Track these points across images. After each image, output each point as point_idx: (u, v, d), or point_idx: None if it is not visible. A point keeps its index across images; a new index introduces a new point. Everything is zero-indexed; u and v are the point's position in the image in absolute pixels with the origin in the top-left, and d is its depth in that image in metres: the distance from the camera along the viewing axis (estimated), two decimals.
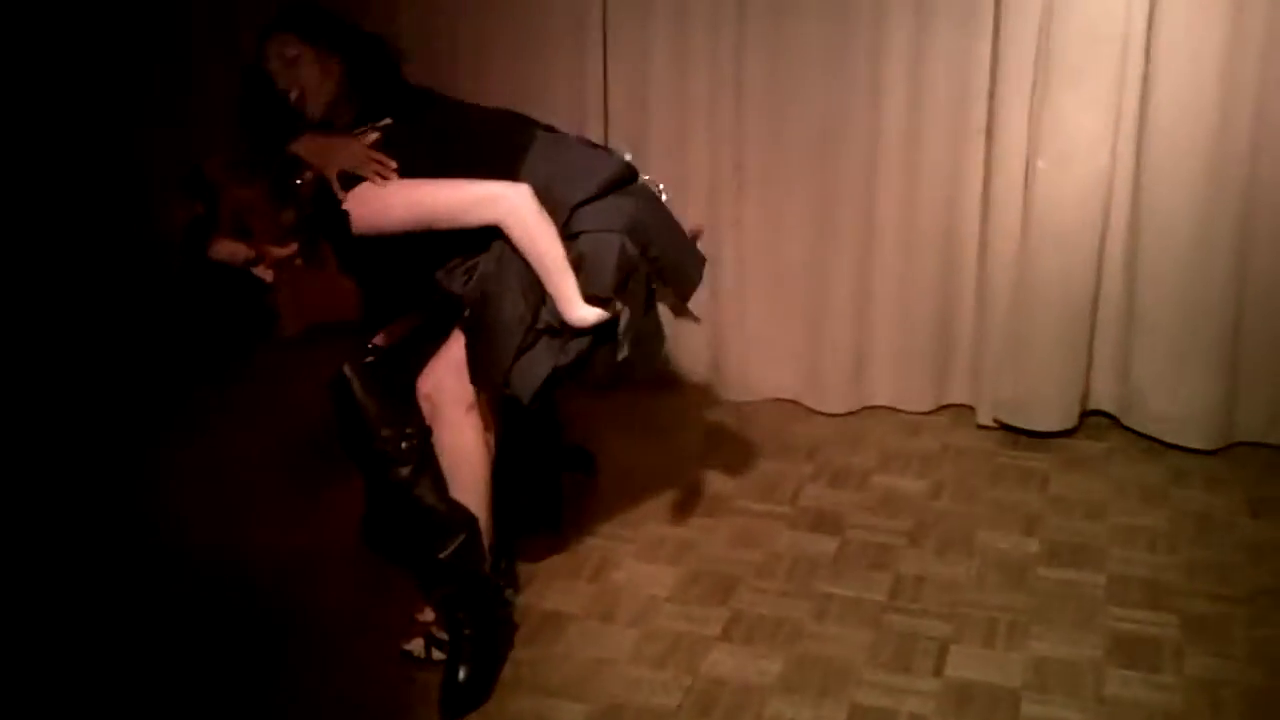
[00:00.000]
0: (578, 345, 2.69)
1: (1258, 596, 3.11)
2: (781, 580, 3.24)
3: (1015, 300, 3.95)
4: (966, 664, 2.86)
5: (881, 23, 3.89)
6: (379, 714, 2.77)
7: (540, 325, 2.67)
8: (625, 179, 2.79)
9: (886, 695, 2.76)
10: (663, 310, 2.93)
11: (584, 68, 4.27)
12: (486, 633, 2.84)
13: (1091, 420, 4.10)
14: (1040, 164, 3.78)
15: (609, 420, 4.19)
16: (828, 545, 3.41)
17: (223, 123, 2.99)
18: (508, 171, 2.67)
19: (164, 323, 4.58)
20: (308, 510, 3.60)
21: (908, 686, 2.78)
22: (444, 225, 2.67)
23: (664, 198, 2.95)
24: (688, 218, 4.22)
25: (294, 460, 3.89)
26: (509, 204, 2.63)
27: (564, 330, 2.67)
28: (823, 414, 4.27)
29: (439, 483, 2.80)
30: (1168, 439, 3.93)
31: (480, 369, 2.73)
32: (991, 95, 3.88)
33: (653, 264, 2.73)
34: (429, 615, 2.92)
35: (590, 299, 2.66)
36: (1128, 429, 4.04)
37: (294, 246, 2.70)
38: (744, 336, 4.35)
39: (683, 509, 3.62)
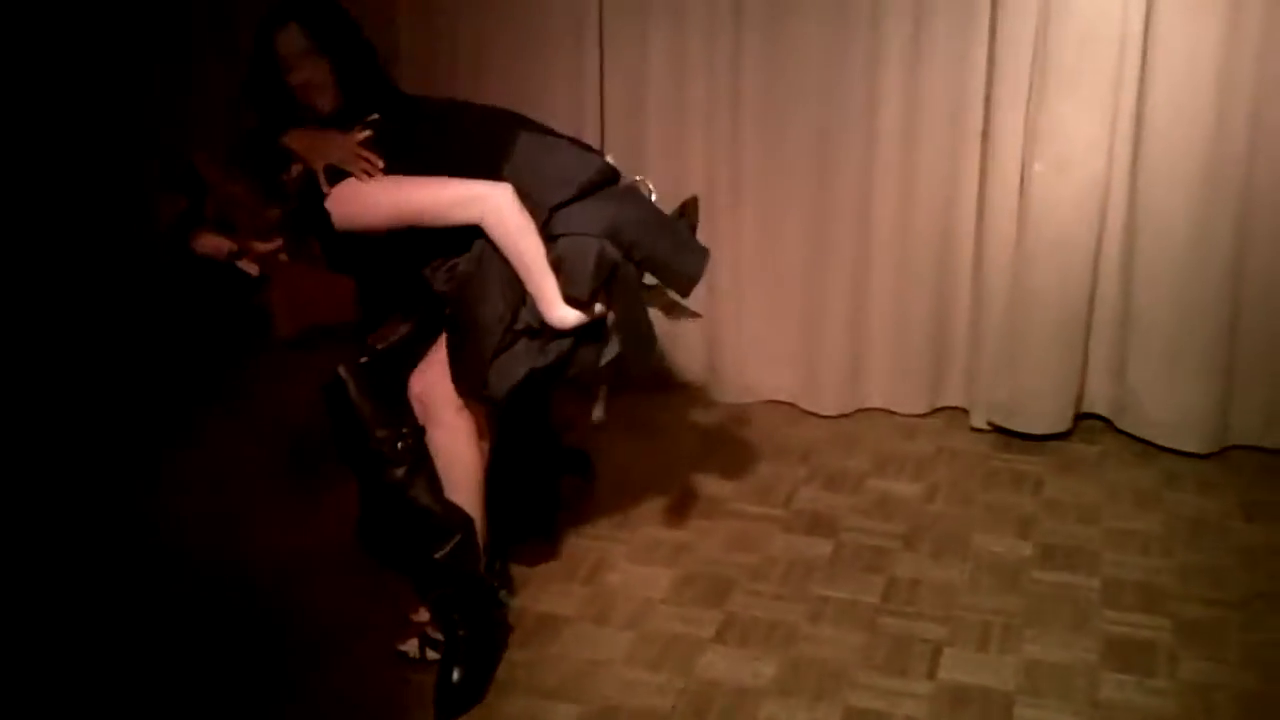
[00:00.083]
0: (558, 346, 2.68)
1: (1252, 600, 3.11)
2: (776, 583, 3.24)
3: (1010, 303, 3.95)
4: (960, 667, 2.87)
5: (878, 28, 3.89)
6: (374, 714, 2.78)
7: (519, 326, 2.66)
8: (606, 181, 2.78)
9: (880, 698, 2.76)
10: (655, 312, 2.92)
11: (581, 72, 4.27)
12: (481, 634, 2.84)
13: (1086, 423, 4.11)
14: (1037, 167, 3.79)
15: (605, 421, 4.18)
16: (822, 548, 3.41)
17: (222, 120, 3.00)
18: (490, 171, 2.67)
19: (162, 323, 4.58)
20: (304, 512, 3.60)
21: (902, 689, 2.79)
22: (426, 224, 2.67)
23: (652, 197, 2.94)
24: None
25: (290, 462, 3.89)
26: (490, 203, 2.63)
27: (544, 331, 2.66)
28: (818, 416, 4.27)
29: (434, 483, 2.81)
30: (1162, 442, 3.93)
31: (459, 368, 2.73)
32: (988, 99, 3.88)
33: (642, 265, 2.72)
34: (424, 616, 2.92)
35: (569, 301, 2.66)
36: (1122, 432, 4.04)
37: (278, 241, 2.71)
38: (740, 338, 4.35)
39: (678, 511, 3.62)
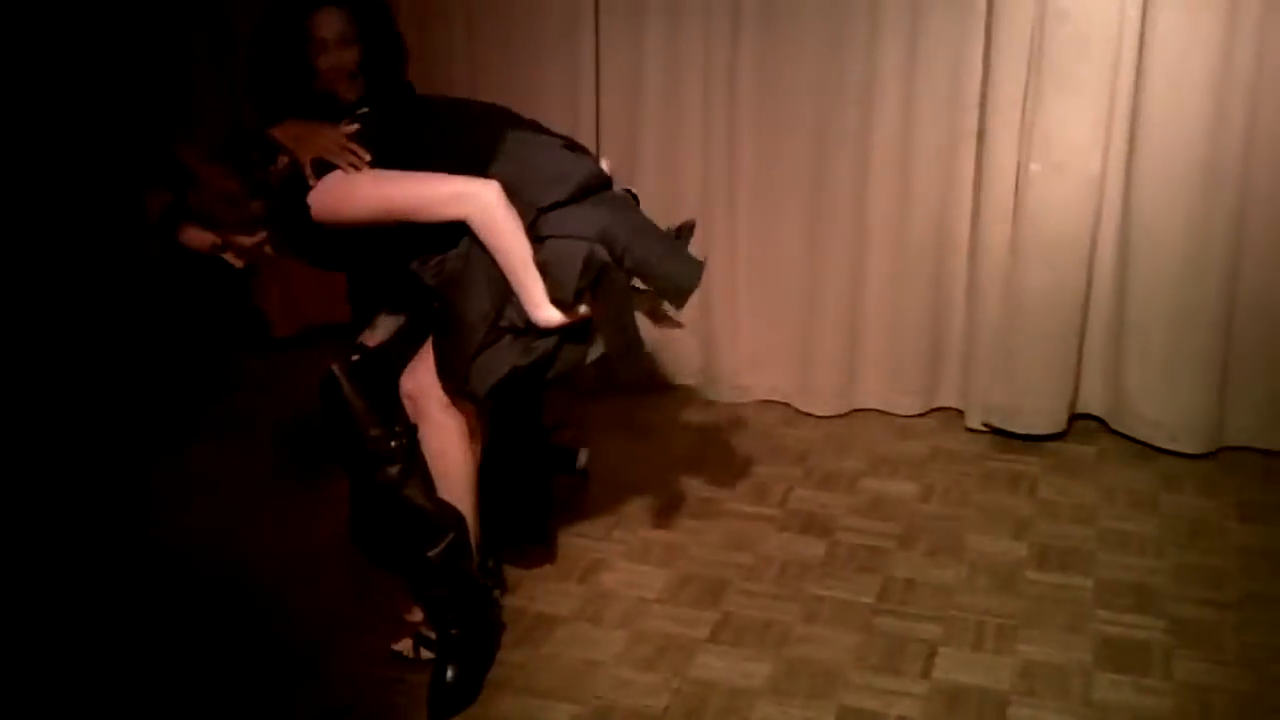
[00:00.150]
0: (543, 346, 2.66)
1: (1247, 601, 3.11)
2: (771, 583, 3.24)
3: (1006, 304, 3.95)
4: (955, 667, 2.86)
5: (874, 30, 3.89)
6: (369, 714, 2.77)
7: (504, 324, 2.65)
8: (597, 186, 2.76)
9: (875, 698, 2.76)
10: (641, 318, 2.90)
11: (577, 73, 4.27)
12: (474, 633, 2.84)
13: (1081, 424, 4.11)
14: (1034, 167, 3.79)
15: (599, 422, 4.19)
16: (817, 548, 3.41)
17: (212, 114, 2.99)
18: (478, 169, 2.65)
19: (158, 322, 4.57)
20: (299, 512, 3.60)
21: (896, 689, 2.79)
22: (411, 219, 2.65)
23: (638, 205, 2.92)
24: (681, 218, 4.25)
25: (286, 463, 3.89)
26: (477, 201, 2.61)
27: (528, 330, 2.65)
28: (813, 417, 4.27)
29: (427, 482, 2.80)
30: (1157, 443, 3.93)
31: (443, 364, 2.73)
32: (984, 102, 3.88)
33: (634, 272, 2.69)
34: (418, 615, 2.92)
35: (554, 303, 2.64)
36: (1117, 433, 4.04)
37: (262, 235, 2.70)
38: (735, 339, 4.35)
39: (673, 511, 3.61)
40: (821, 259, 4.16)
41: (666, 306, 2.90)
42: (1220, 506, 3.61)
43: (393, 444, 2.79)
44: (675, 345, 4.37)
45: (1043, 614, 3.07)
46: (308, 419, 3.01)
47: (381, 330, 3.00)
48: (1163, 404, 3.90)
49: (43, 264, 4.39)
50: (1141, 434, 3.96)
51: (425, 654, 2.87)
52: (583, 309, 2.63)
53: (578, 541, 3.45)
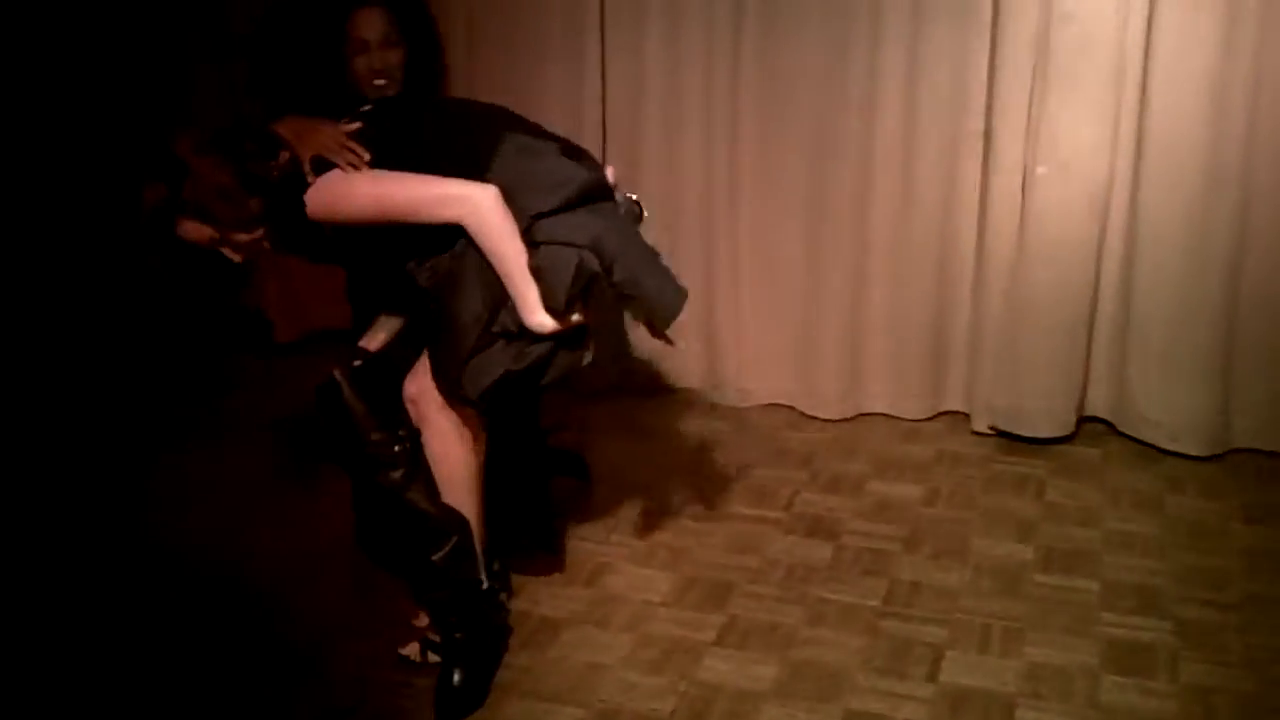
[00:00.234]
0: (537, 351, 2.64)
1: (1251, 603, 3.11)
2: (776, 586, 3.24)
3: (1011, 307, 3.95)
4: (961, 670, 2.86)
5: (878, 32, 3.90)
6: (374, 718, 2.77)
7: (497, 328, 2.64)
8: (594, 195, 2.75)
9: (881, 701, 2.76)
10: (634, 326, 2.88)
11: (582, 77, 4.28)
12: (480, 636, 2.84)
13: (1087, 427, 4.11)
14: (1040, 170, 3.79)
15: (604, 425, 4.19)
16: (823, 551, 3.41)
17: (212, 109, 2.98)
18: (476, 172, 2.65)
19: (157, 323, 4.58)
20: (300, 514, 3.60)
21: (902, 692, 2.79)
22: (406, 219, 2.64)
23: (643, 213, 2.91)
24: (683, 225, 4.27)
25: (287, 464, 3.90)
26: (473, 204, 2.60)
27: (522, 335, 2.64)
28: (818, 420, 4.27)
29: (430, 486, 2.79)
30: (1163, 445, 3.93)
31: (436, 366, 2.73)
32: (988, 104, 3.89)
33: (621, 286, 2.68)
34: (424, 620, 2.92)
35: (547, 309, 2.64)
36: (1123, 435, 4.04)
37: (259, 232, 2.70)
38: (740, 341, 4.35)
39: (678, 514, 3.62)
40: (825, 261, 4.16)
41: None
42: (1225, 508, 3.61)
43: (395, 448, 2.79)
44: (679, 349, 4.37)
45: (1048, 616, 3.07)
46: (308, 420, 3.01)
47: (382, 334, 3.00)
48: (1168, 406, 3.90)
49: (38, 257, 4.39)
50: (1147, 436, 3.97)
51: (432, 658, 2.87)
52: (575, 316, 2.62)
53: (583, 545, 3.45)
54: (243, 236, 2.69)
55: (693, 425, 4.27)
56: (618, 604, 3.17)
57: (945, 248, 4.08)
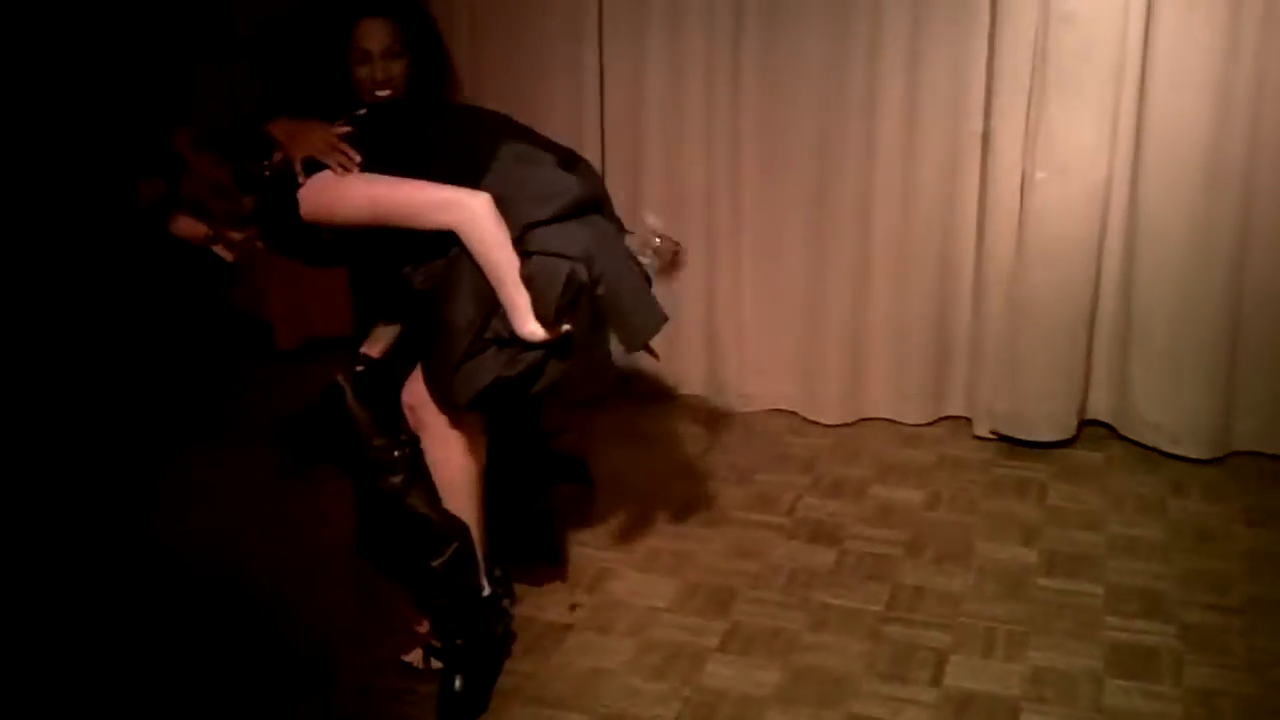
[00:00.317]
0: (529, 358, 2.64)
1: (1254, 606, 3.11)
2: (779, 591, 3.24)
3: (1012, 311, 3.95)
4: (965, 674, 2.86)
5: (877, 36, 3.89)
6: None
7: (489, 334, 2.63)
8: (589, 207, 2.75)
9: (884, 706, 2.76)
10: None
11: (581, 80, 4.29)
12: (481, 642, 2.84)
13: (1089, 430, 4.11)
14: (1040, 174, 3.79)
15: (606, 430, 4.19)
16: (825, 556, 3.41)
17: (210, 106, 2.98)
18: (470, 179, 2.65)
19: (157, 325, 4.58)
20: (305, 520, 3.59)
21: (906, 697, 2.78)
22: (399, 224, 2.64)
23: (651, 256, 2.93)
24: (684, 232, 4.27)
25: (289, 469, 3.89)
26: (465, 211, 2.60)
27: (514, 342, 2.64)
28: (820, 425, 4.27)
29: (431, 492, 2.79)
30: (1165, 449, 3.93)
31: (428, 371, 2.73)
32: (988, 108, 3.88)
33: (601, 300, 2.68)
34: (426, 626, 2.92)
35: (537, 319, 2.63)
36: (1125, 439, 4.04)
37: (252, 230, 2.70)
38: (741, 347, 4.35)
39: (680, 520, 3.62)
40: (827, 266, 4.16)
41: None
42: (1227, 511, 3.61)
43: (396, 454, 2.79)
44: (681, 354, 4.38)
45: (1052, 620, 3.07)
46: (308, 422, 3.01)
47: (384, 340, 3.01)
48: (1169, 409, 3.90)
49: (37, 252, 4.40)
50: (1149, 440, 3.96)
51: (435, 664, 2.86)
52: (565, 327, 2.62)
53: (585, 550, 3.45)
54: (236, 234, 2.69)
55: (694, 431, 4.27)
56: (620, 610, 3.17)
57: (945, 252, 4.08)
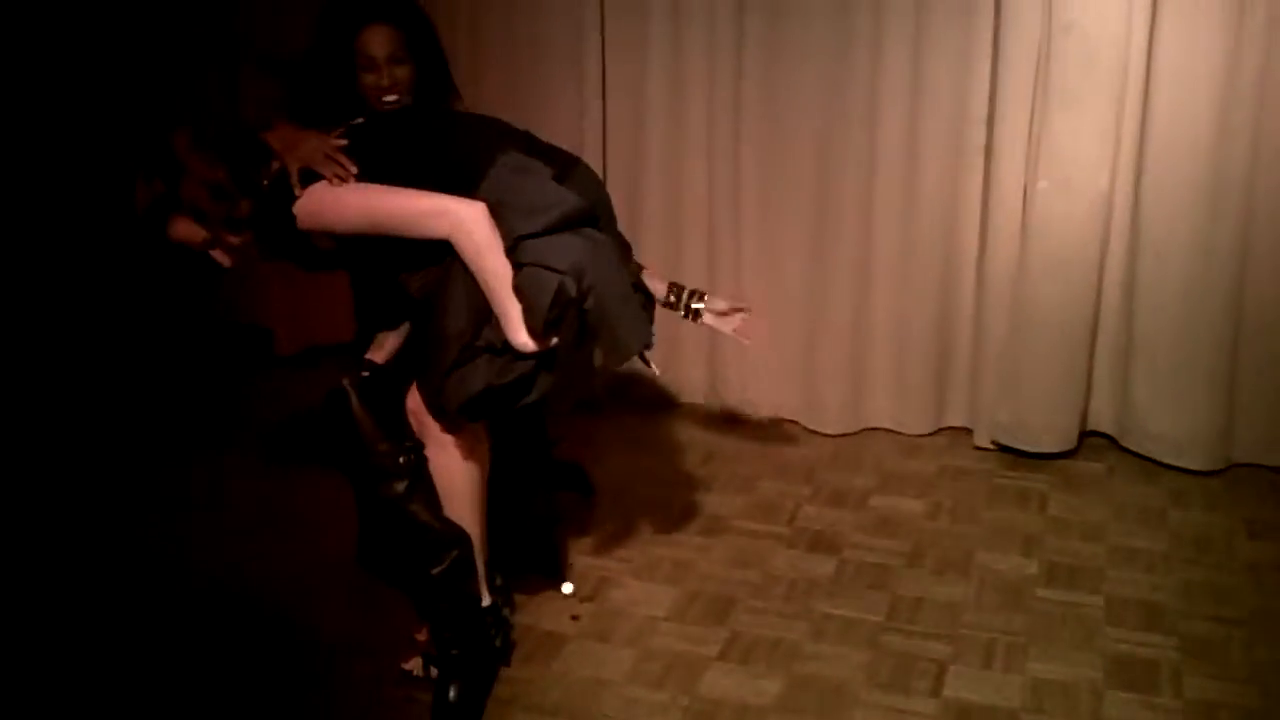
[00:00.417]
0: (520, 368, 2.64)
1: (1255, 618, 3.11)
2: (779, 600, 3.23)
3: (1014, 321, 3.95)
4: (964, 685, 2.86)
5: (880, 44, 3.90)
6: None
7: (481, 343, 2.64)
8: (582, 220, 2.74)
9: (884, 717, 2.75)
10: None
11: (582, 84, 4.29)
12: (475, 651, 2.83)
13: (1090, 441, 4.10)
14: (1042, 185, 3.79)
15: (607, 439, 4.19)
16: (826, 565, 3.41)
17: (212, 107, 2.98)
18: (467, 186, 2.65)
19: (156, 327, 4.57)
20: (307, 529, 3.59)
21: (905, 708, 2.78)
22: (393, 232, 2.65)
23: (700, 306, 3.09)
24: (685, 239, 4.27)
25: (291, 476, 3.89)
26: (459, 220, 2.60)
27: (506, 350, 2.64)
28: (821, 435, 4.27)
29: (433, 499, 2.79)
30: (1166, 460, 3.93)
31: (421, 377, 2.73)
32: (990, 119, 3.88)
33: (589, 314, 2.66)
34: (426, 634, 2.91)
35: (527, 330, 2.63)
36: (1126, 450, 4.04)
37: (248, 235, 2.70)
38: (742, 355, 4.34)
39: (680, 528, 3.61)
40: (828, 276, 4.16)
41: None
42: (1228, 523, 3.60)
43: (400, 460, 2.79)
44: (682, 362, 4.38)
45: (1052, 631, 3.06)
46: (310, 426, 3.00)
47: (389, 346, 3.01)
48: (1171, 420, 3.90)
49: (36, 253, 4.40)
50: (1150, 451, 3.96)
51: (435, 672, 2.86)
52: (555, 339, 2.62)
53: (585, 559, 3.44)
54: (233, 238, 2.69)
55: (695, 439, 4.27)
56: (620, 618, 3.16)
57: (947, 262, 4.08)
